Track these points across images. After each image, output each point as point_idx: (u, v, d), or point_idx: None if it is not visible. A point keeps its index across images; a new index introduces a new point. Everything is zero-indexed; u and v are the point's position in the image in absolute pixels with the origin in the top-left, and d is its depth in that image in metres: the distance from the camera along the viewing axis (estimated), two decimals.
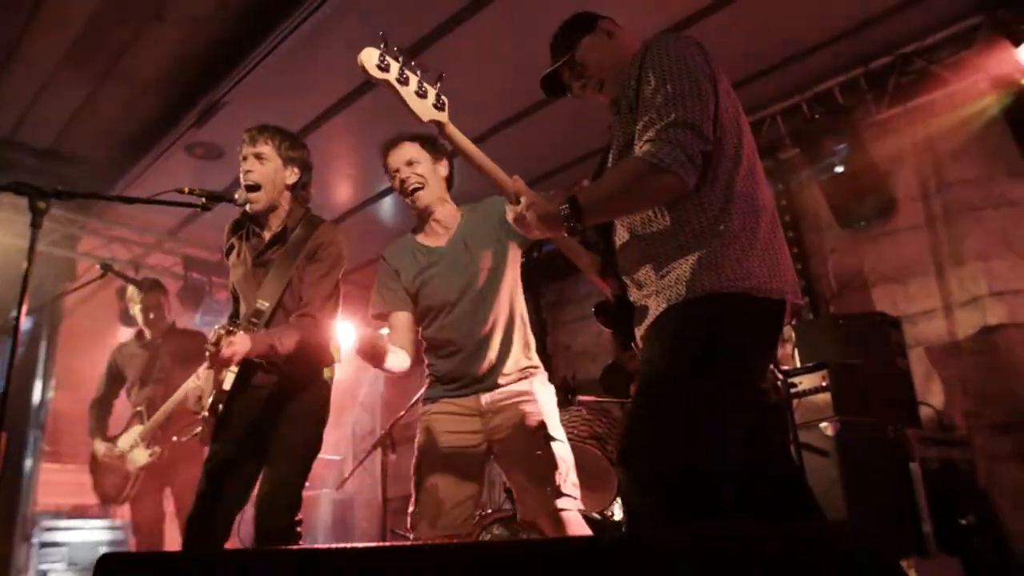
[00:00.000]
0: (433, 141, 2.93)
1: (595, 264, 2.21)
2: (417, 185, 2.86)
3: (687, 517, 1.66)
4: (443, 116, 2.05)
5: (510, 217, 2.06)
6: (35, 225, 2.23)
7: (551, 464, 2.75)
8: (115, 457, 4.34)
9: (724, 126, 1.92)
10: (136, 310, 4.64)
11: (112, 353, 4.74)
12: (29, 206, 2.21)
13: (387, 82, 1.95)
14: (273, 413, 2.77)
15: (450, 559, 0.98)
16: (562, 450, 2.81)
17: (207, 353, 2.63)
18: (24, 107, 5.19)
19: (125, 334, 6.87)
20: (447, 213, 2.96)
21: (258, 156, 2.88)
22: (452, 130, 2.06)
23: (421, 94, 2.00)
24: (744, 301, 1.83)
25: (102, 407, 4.60)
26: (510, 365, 2.88)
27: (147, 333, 4.63)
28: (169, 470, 4.35)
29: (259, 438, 2.76)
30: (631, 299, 2.06)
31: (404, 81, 1.97)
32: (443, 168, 2.95)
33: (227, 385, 2.69)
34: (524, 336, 2.96)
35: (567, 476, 2.77)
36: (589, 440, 3.75)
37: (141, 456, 4.25)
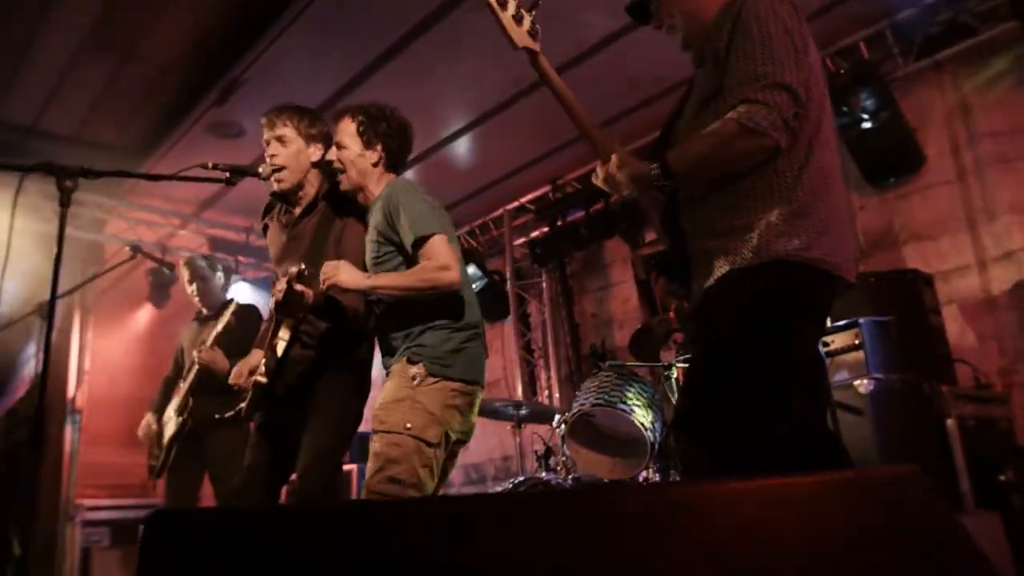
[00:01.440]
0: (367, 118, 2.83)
1: (662, 216, 2.18)
2: (339, 168, 2.85)
3: (747, 469, 1.68)
4: (536, 45, 2.02)
5: (599, 177, 2.00)
6: (64, 204, 2.24)
7: (372, 456, 2.57)
8: (150, 431, 4.33)
9: (810, 92, 1.89)
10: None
11: (180, 331, 4.72)
12: (57, 185, 2.22)
13: (488, 3, 1.94)
14: (314, 384, 2.79)
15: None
16: (380, 444, 2.54)
17: (273, 300, 2.63)
18: (46, 95, 5.22)
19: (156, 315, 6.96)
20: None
21: (280, 139, 2.91)
22: (543, 61, 2.03)
23: (517, 19, 1.98)
24: (808, 271, 1.84)
25: (167, 385, 4.53)
26: (389, 349, 2.75)
27: (202, 308, 4.55)
28: (204, 448, 4.25)
29: (301, 408, 2.78)
30: (690, 254, 2.04)
31: (503, 4, 1.96)
32: (374, 155, 2.82)
33: (280, 351, 2.70)
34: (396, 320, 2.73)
35: (377, 471, 2.51)
36: (620, 406, 3.74)
37: (171, 427, 4.22)
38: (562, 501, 0.89)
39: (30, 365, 6.15)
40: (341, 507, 0.82)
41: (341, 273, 2.59)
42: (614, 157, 1.96)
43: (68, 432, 6.55)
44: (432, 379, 2.57)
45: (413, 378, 2.57)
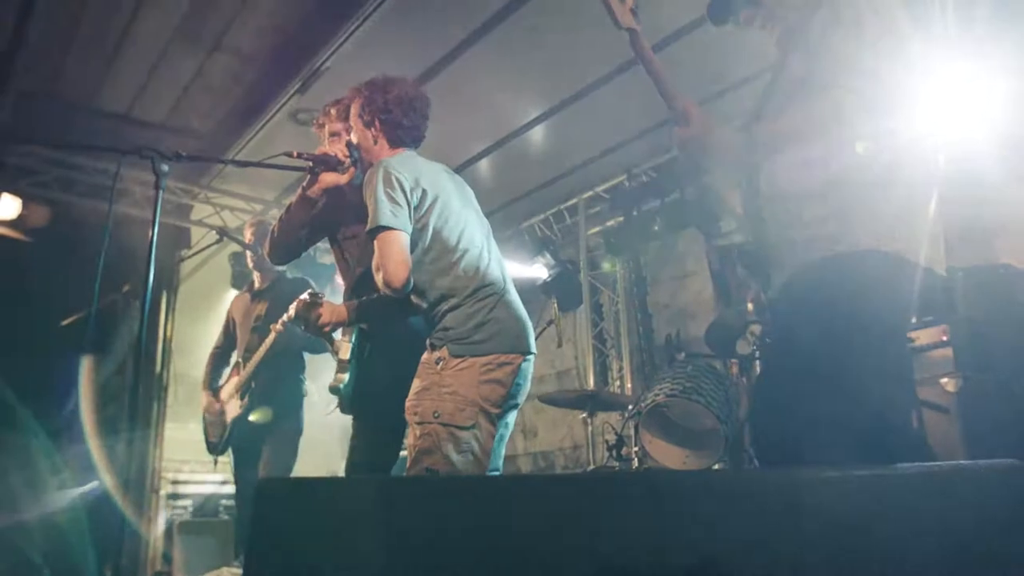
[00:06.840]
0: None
1: (743, 204, 2.16)
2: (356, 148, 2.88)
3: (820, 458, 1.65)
4: (638, 25, 2.04)
5: (680, 138, 1.98)
6: (158, 187, 2.35)
7: (408, 449, 2.51)
8: (214, 409, 4.28)
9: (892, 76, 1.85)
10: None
11: (231, 302, 4.68)
12: (152, 168, 2.33)
13: None
14: (403, 368, 2.80)
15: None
16: (413, 437, 2.46)
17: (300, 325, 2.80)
18: (139, 84, 5.43)
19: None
20: None
21: (334, 134, 2.97)
22: (643, 40, 2.04)
23: None
24: (895, 261, 1.80)
25: (217, 359, 4.50)
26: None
27: (256, 281, 4.49)
28: (266, 431, 4.14)
29: (395, 395, 2.80)
30: (772, 243, 2.01)
31: None
32: (374, 131, 2.78)
33: (344, 355, 2.76)
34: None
35: (413, 465, 2.44)
36: (696, 397, 3.70)
37: (233, 408, 4.15)
38: (663, 482, 0.89)
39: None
40: (428, 480, 0.84)
41: (324, 317, 2.72)
42: (696, 120, 1.95)
43: (154, 408, 6.84)
44: (457, 360, 2.45)
45: (437, 362, 2.48)
